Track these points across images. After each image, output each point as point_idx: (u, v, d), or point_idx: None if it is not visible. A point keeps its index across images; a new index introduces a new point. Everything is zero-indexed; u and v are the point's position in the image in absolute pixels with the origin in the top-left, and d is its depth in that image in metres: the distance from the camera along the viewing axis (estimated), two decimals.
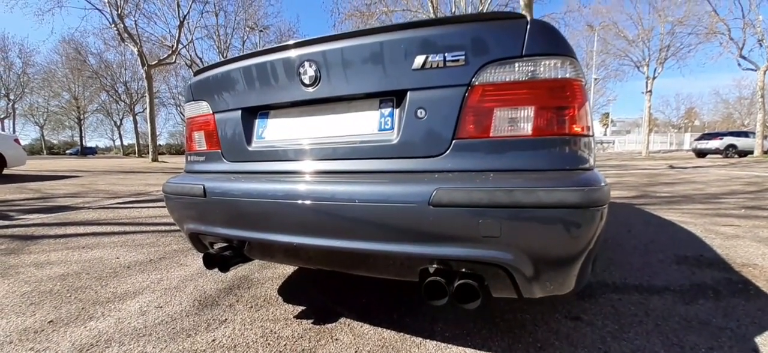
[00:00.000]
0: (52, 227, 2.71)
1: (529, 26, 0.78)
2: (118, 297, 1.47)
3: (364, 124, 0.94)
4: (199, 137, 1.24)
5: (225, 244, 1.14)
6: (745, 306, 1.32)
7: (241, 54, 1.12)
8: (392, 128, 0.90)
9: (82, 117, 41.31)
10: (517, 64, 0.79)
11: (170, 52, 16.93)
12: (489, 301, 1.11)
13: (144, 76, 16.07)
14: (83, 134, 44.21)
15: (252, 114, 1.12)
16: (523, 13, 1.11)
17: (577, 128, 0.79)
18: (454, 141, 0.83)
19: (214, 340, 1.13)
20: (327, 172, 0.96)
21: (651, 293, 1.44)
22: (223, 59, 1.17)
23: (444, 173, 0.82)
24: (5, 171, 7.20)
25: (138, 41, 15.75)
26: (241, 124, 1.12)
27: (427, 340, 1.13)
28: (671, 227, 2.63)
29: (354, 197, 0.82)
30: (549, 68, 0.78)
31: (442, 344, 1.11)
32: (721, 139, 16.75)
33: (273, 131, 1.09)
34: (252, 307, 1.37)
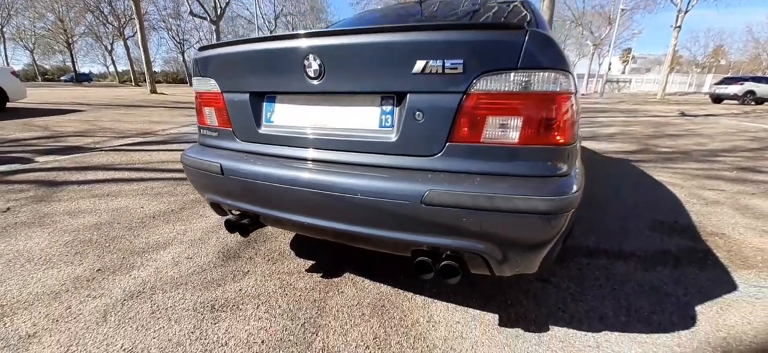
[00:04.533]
0: (72, 173, 2.89)
1: (526, 38, 0.80)
2: (151, 247, 1.68)
3: (366, 119, 1.01)
4: (210, 112, 1.31)
5: (242, 213, 1.28)
6: (697, 275, 1.51)
7: (247, 37, 1.12)
8: (392, 125, 0.97)
9: (71, 41, 39.38)
10: (512, 75, 0.83)
11: None
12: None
13: None
14: (75, 60, 42.60)
15: (259, 97, 1.17)
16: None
17: (560, 139, 0.86)
18: (447, 144, 0.91)
19: (241, 290, 1.36)
20: (331, 162, 1.06)
21: (617, 258, 1.63)
22: (228, 40, 1.18)
23: (436, 173, 0.92)
24: (8, 105, 7.21)
25: None
26: (250, 106, 1.17)
27: (417, 295, 1.34)
28: (659, 189, 2.76)
29: (356, 190, 0.93)
30: (541, 81, 0.82)
31: (430, 299, 1.32)
32: (742, 84, 15.99)
33: (280, 116, 1.15)
34: (269, 260, 1.58)
